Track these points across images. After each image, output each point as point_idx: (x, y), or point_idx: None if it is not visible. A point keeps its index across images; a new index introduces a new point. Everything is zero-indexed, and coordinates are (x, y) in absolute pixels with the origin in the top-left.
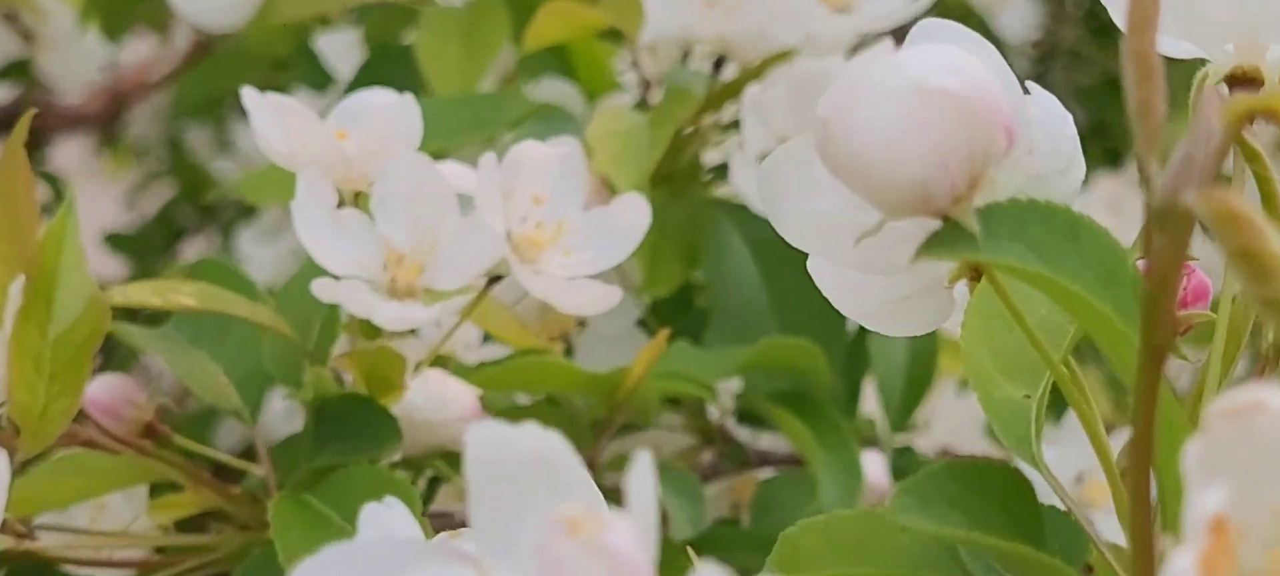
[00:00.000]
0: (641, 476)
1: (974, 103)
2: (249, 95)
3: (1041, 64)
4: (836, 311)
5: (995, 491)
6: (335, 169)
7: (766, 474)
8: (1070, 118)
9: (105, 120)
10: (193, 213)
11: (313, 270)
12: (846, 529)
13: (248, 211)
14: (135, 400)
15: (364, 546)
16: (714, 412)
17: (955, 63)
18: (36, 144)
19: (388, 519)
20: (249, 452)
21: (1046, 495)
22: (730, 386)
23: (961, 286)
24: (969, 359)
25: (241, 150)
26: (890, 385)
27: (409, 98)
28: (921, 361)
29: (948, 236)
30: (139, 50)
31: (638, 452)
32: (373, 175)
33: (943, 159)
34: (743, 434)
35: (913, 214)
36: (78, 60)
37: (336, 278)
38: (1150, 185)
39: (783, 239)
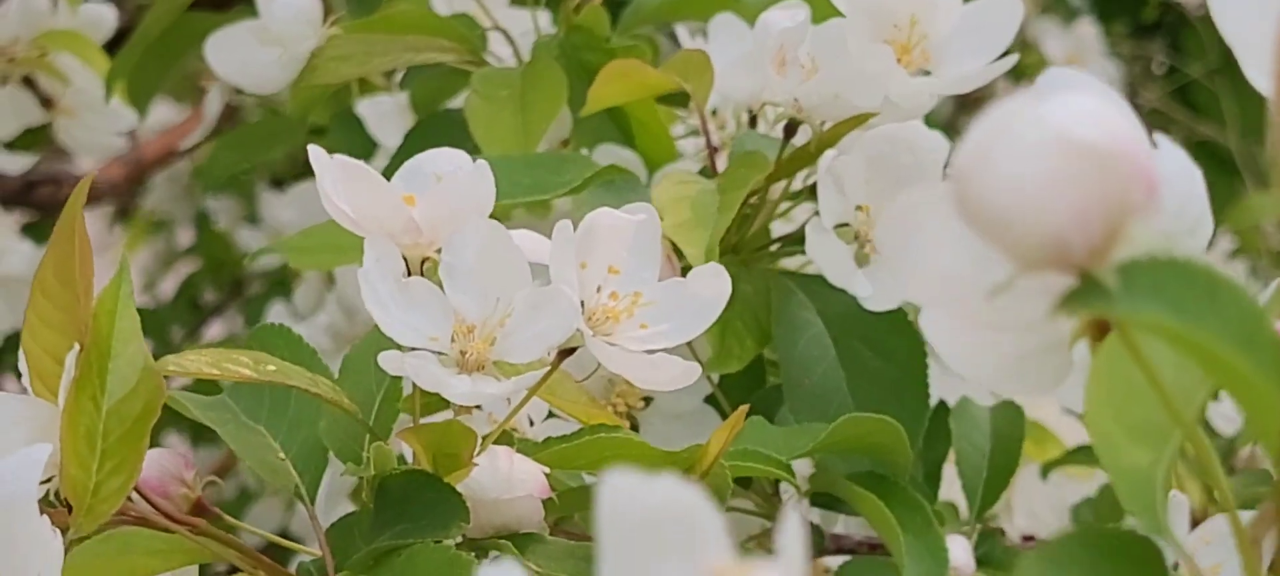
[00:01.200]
0: (792, 529)
1: (1116, 155)
2: (316, 154)
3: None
4: (918, 390)
5: (1127, 560)
6: (403, 234)
7: (840, 560)
8: (1200, 175)
9: (124, 190)
10: (216, 290)
11: (377, 341)
12: None
13: (275, 288)
14: (184, 477)
15: None
16: (788, 493)
17: (1098, 114)
18: (49, 215)
19: None
20: (287, 533)
21: None
22: (802, 467)
23: (1081, 348)
24: (1093, 423)
25: (269, 224)
26: (973, 468)
27: (483, 163)
28: (1006, 444)
29: (1086, 292)
30: (159, 117)
31: (788, 508)
32: (442, 241)
33: (1083, 213)
34: (816, 517)
35: (1049, 269)
36: (99, 127)
37: (404, 349)
38: None
39: (859, 312)
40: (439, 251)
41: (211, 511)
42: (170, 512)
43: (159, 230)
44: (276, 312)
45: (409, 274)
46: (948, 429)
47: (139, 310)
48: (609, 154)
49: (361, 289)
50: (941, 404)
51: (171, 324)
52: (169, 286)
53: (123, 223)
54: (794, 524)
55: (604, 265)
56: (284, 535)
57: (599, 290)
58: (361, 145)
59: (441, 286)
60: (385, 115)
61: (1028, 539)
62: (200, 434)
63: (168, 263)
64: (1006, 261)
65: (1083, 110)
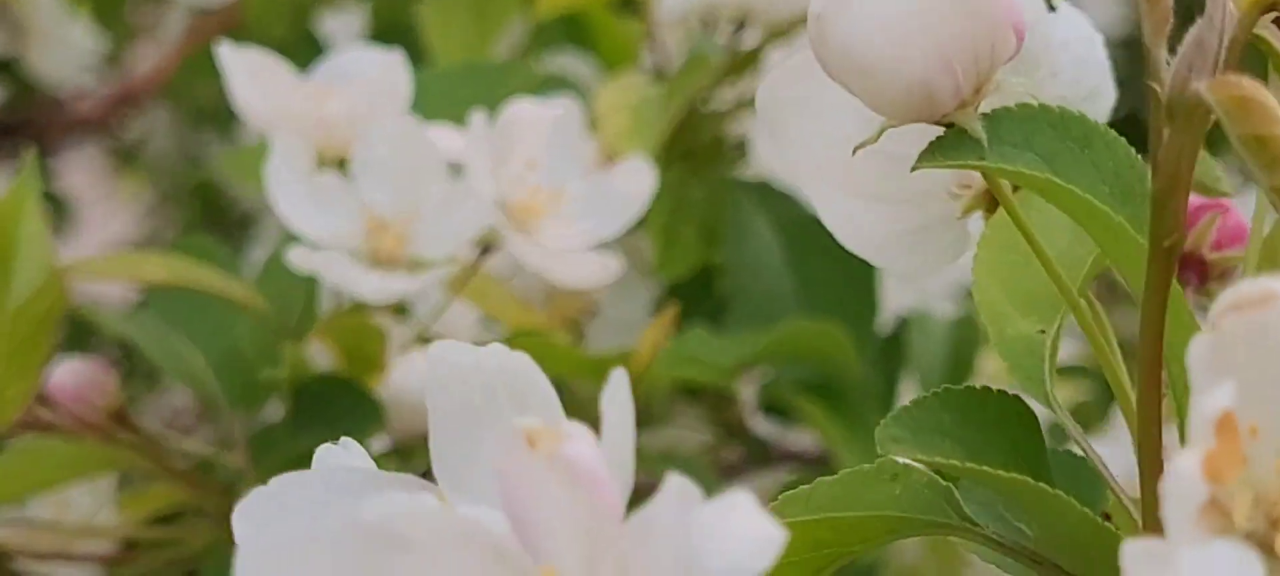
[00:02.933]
0: (616, 395)
1: None
2: (225, 52)
3: (1128, 60)
4: (866, 297)
5: (996, 423)
6: (316, 132)
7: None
8: (1100, 40)
9: (111, 126)
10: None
11: (293, 243)
12: (829, 491)
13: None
14: (105, 386)
15: (320, 474)
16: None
17: None
18: (41, 155)
19: (344, 458)
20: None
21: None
22: (755, 379)
23: (977, 220)
24: (981, 293)
25: None
26: (929, 383)
27: (397, 56)
28: (962, 352)
29: (951, 143)
30: (148, 51)
31: (615, 376)
32: (356, 138)
33: (947, 57)
34: (769, 429)
35: (915, 118)
36: (68, 52)
37: (314, 247)
38: (1159, 74)
39: (810, 219)
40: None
41: (131, 420)
42: (84, 418)
43: (156, 175)
44: (256, 251)
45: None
46: (904, 342)
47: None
48: (567, 62)
49: (269, 186)
50: (903, 319)
51: None
52: (167, 231)
53: (124, 167)
54: (617, 389)
55: (522, 159)
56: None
57: (518, 185)
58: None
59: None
60: (349, 32)
61: None
62: None
63: (160, 211)
64: (872, 113)
65: None
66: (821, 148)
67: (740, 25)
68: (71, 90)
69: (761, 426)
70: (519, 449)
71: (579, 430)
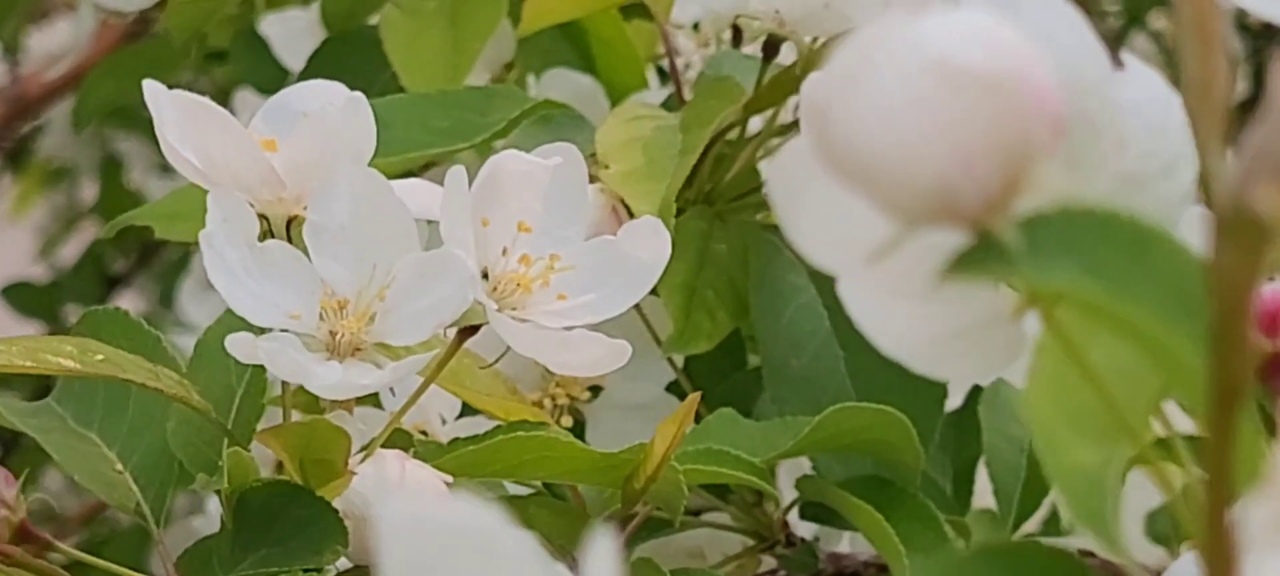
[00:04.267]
0: (601, 555)
1: (1009, 83)
2: (151, 90)
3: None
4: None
5: None
6: (261, 187)
7: None
8: (1177, 102)
9: (3, 132)
10: (125, 257)
11: (232, 322)
12: None
13: (196, 251)
14: (2, 496)
15: None
16: (771, 505)
17: (985, 34)
18: None
19: None
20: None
21: None
22: (795, 467)
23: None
24: (1033, 413)
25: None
26: (1008, 467)
27: (359, 96)
28: None
29: (979, 254)
30: (49, 43)
31: (599, 534)
32: (309, 195)
33: (970, 155)
34: (811, 531)
35: (936, 223)
36: None
37: (258, 331)
38: (1214, 184)
39: None
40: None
41: (38, 537)
42: None
43: (59, 181)
44: (190, 287)
45: (270, 237)
46: (976, 422)
47: (28, 285)
48: (561, 81)
49: (205, 255)
50: (975, 391)
51: (69, 300)
52: (71, 252)
53: (13, 171)
54: (604, 548)
55: (512, 222)
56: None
57: (505, 253)
58: (270, 73)
59: (308, 252)
60: (297, 35)
61: (1087, 554)
62: None
63: (69, 222)
64: (884, 217)
65: (966, 29)
66: (842, 240)
67: (771, 43)
68: None
69: (802, 528)
70: None
71: None
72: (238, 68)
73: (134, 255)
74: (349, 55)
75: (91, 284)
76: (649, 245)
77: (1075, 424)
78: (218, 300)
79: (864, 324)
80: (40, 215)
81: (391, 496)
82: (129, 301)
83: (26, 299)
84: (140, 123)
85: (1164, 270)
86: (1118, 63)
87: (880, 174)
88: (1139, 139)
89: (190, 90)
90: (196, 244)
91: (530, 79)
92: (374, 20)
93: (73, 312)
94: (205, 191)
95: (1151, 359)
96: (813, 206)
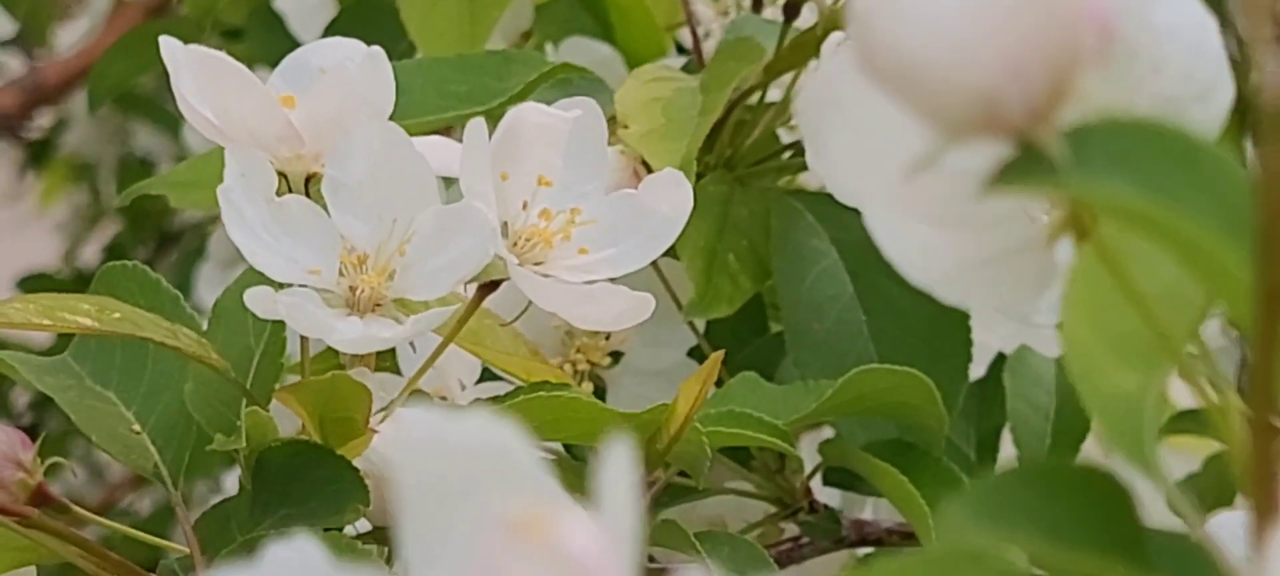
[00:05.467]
0: (616, 470)
1: None
2: (168, 47)
3: None
4: (958, 336)
5: (1084, 502)
6: (279, 144)
7: (868, 552)
8: (1213, 26)
9: (18, 122)
10: (144, 247)
11: (251, 279)
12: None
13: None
14: (20, 458)
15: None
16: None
17: None
18: None
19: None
20: None
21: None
22: (817, 436)
23: (1067, 245)
24: (1070, 337)
25: None
26: (1033, 434)
27: (377, 51)
28: (1075, 404)
29: (1023, 164)
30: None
31: (616, 442)
32: (328, 152)
33: (1017, 60)
34: (835, 498)
35: (979, 133)
36: None
37: (278, 286)
38: (1259, 78)
39: None
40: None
41: (55, 500)
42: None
43: (83, 177)
44: (208, 272)
45: (289, 192)
46: (1001, 388)
47: (49, 278)
48: (579, 49)
49: (223, 211)
50: (1000, 358)
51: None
52: (93, 250)
53: (37, 168)
54: (618, 463)
55: (532, 176)
56: None
57: (526, 207)
58: (285, 50)
59: (327, 208)
60: (312, 10)
61: None
62: None
63: (93, 219)
64: (928, 128)
65: None
66: (873, 165)
67: (793, 5)
68: None
69: (825, 495)
70: (502, 539)
71: (574, 515)
72: (253, 45)
73: (152, 244)
74: (365, 24)
75: None
76: (670, 198)
77: (1113, 347)
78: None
79: (892, 252)
80: (61, 213)
81: (406, 414)
82: None
83: (44, 291)
84: (161, 115)
85: (1212, 181)
86: None
87: (925, 81)
88: (1176, 62)
89: None
90: (213, 227)
91: (548, 48)
92: None
93: None
94: (219, 160)
95: (1198, 271)
96: (842, 133)
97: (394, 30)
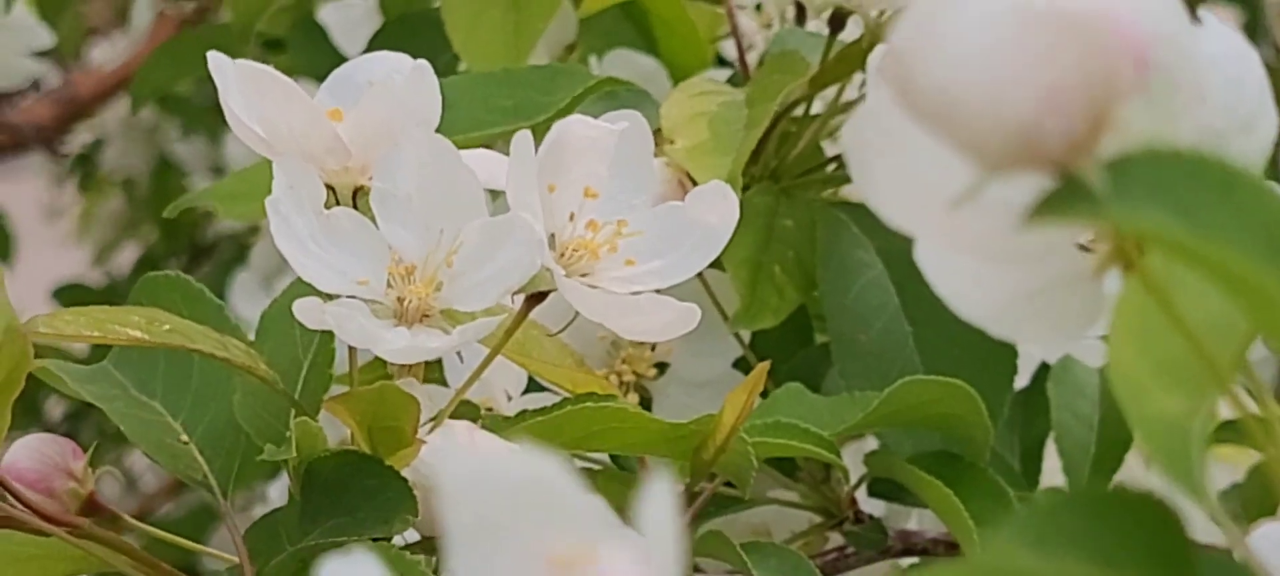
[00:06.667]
0: (659, 501)
1: (1095, 21)
2: (216, 61)
3: None
4: (1003, 347)
5: (1132, 527)
6: (327, 157)
7: (913, 562)
8: (1255, 57)
9: (54, 135)
10: (176, 257)
11: (299, 290)
12: None
13: (246, 252)
14: (70, 468)
15: None
16: (837, 481)
17: None
18: None
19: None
20: None
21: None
22: (862, 447)
23: (1114, 278)
24: (1116, 361)
25: (234, 170)
26: (1077, 444)
27: (423, 64)
28: (1119, 415)
29: (1064, 196)
30: (106, 52)
31: (656, 475)
32: (375, 164)
33: (1057, 94)
34: (878, 508)
35: (1020, 166)
36: (7, 47)
37: (326, 297)
38: None
39: None
40: (373, 179)
41: (105, 510)
42: (48, 511)
43: (122, 191)
44: (243, 281)
45: (336, 205)
46: (1046, 399)
47: (83, 288)
48: (623, 62)
49: (271, 223)
50: (1044, 368)
51: (124, 303)
52: (128, 257)
53: (79, 185)
54: (661, 494)
55: (578, 187)
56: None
57: (572, 219)
58: (328, 61)
59: (375, 219)
60: (354, 22)
61: None
62: None
63: (129, 228)
64: (969, 163)
65: None
66: (919, 199)
67: (837, 16)
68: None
69: (870, 505)
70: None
71: (618, 551)
72: (296, 56)
73: (185, 256)
74: (409, 37)
75: None
76: (717, 210)
77: (1160, 374)
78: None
79: (940, 286)
80: (98, 230)
81: (455, 454)
82: None
83: (79, 301)
84: (197, 120)
85: (1251, 209)
86: (1195, 18)
87: (964, 115)
88: (1218, 93)
89: None
90: (251, 238)
91: (592, 60)
92: (434, 3)
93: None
94: (266, 172)
95: (1239, 298)
96: (889, 165)
97: (438, 43)
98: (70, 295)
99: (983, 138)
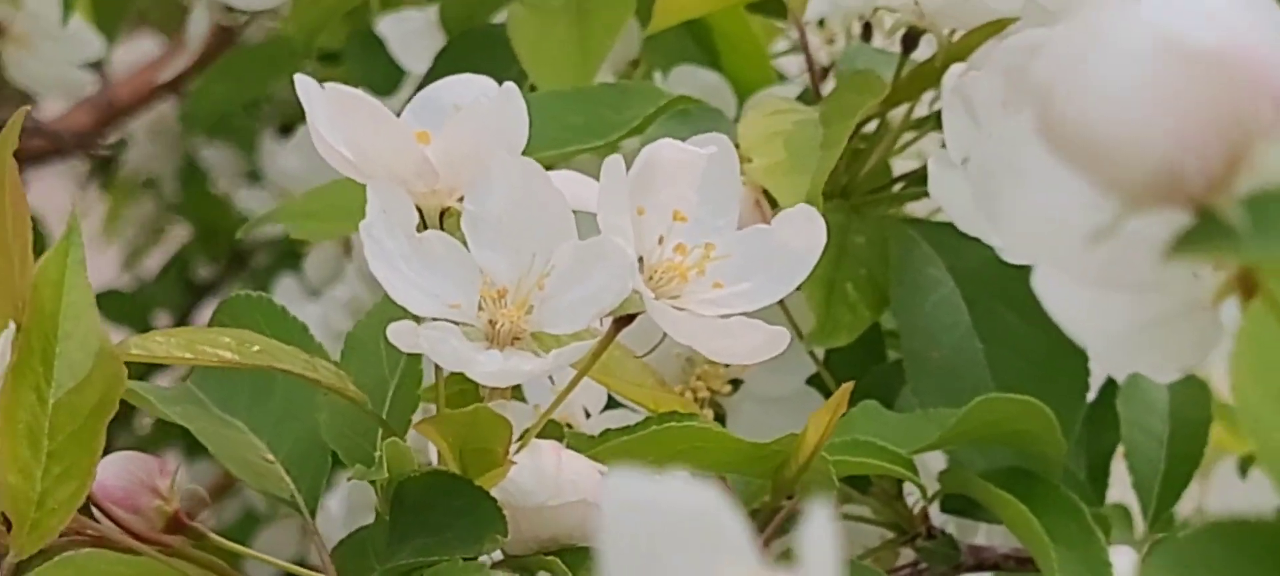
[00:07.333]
0: (820, 530)
1: (1237, 62)
2: (303, 85)
3: None
4: (1074, 364)
5: (1267, 556)
6: (415, 179)
7: None
8: None
9: (91, 141)
10: (212, 263)
11: (387, 312)
12: None
13: (285, 258)
14: (156, 486)
15: None
16: (913, 497)
17: (1213, 12)
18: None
19: None
20: (303, 563)
21: None
22: (933, 463)
23: (1231, 306)
24: (1239, 395)
25: (273, 181)
26: (1147, 461)
27: (512, 87)
28: (1189, 431)
29: (1203, 232)
30: (134, 51)
31: (814, 503)
32: (464, 187)
33: (1198, 134)
34: (950, 525)
35: (1158, 203)
36: (59, 59)
37: (419, 320)
38: None
39: (1000, 267)
40: (461, 200)
41: (192, 528)
42: (138, 530)
43: (146, 192)
44: (286, 288)
45: (425, 228)
46: (1116, 414)
47: (115, 294)
48: (688, 78)
49: (365, 246)
50: (1111, 384)
51: (156, 307)
52: (156, 261)
53: (102, 185)
54: (822, 524)
55: (667, 211)
56: (301, 564)
57: (661, 242)
58: (384, 73)
59: (464, 242)
60: (413, 35)
61: None
62: (197, 447)
63: (156, 232)
64: (1108, 199)
65: (1194, 8)
66: (1042, 228)
67: (909, 35)
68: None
69: (940, 520)
70: None
71: None
72: (352, 69)
73: (223, 262)
74: (475, 54)
75: (176, 291)
76: (803, 233)
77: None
78: (313, 308)
79: (1059, 315)
80: (125, 230)
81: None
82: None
83: (115, 307)
84: (229, 128)
85: None
86: None
87: (1106, 153)
88: None
89: None
90: (290, 245)
91: (655, 76)
92: (496, 19)
93: (161, 319)
94: (339, 191)
95: None
96: (1016, 194)
97: (504, 60)
98: (108, 303)
99: (1125, 174)
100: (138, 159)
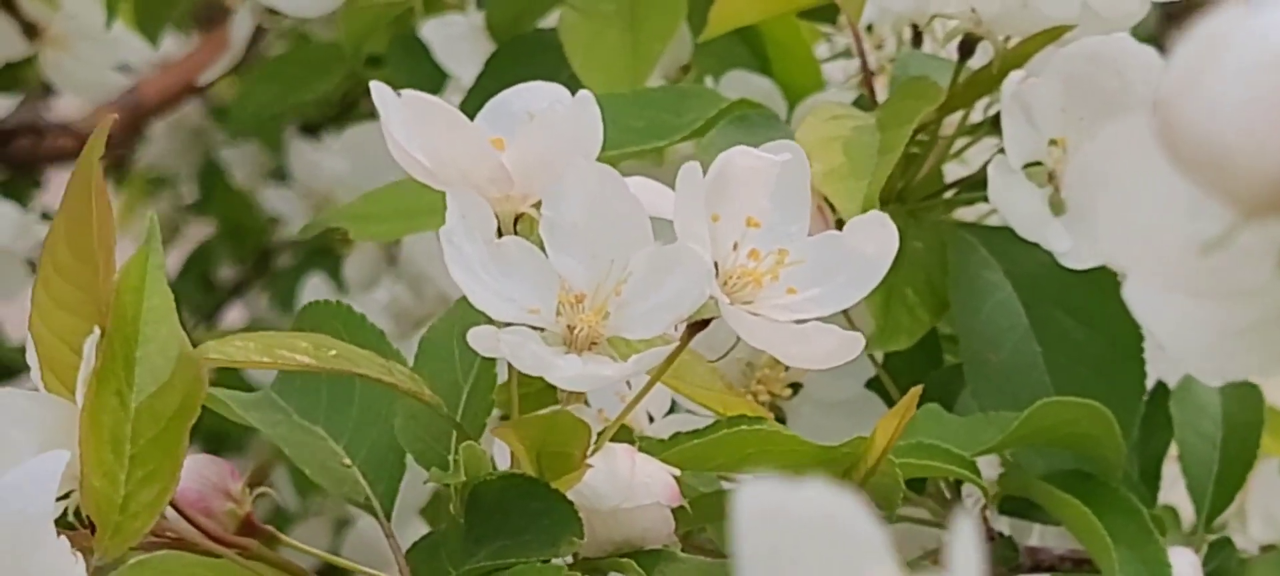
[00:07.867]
0: (966, 541)
1: None
2: (378, 90)
3: None
4: (1131, 367)
5: None
6: (490, 185)
7: None
8: None
9: (119, 140)
10: (236, 264)
11: (462, 317)
12: None
13: (313, 258)
14: (229, 489)
15: None
16: (971, 497)
17: None
18: (26, 170)
19: None
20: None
21: None
22: (990, 466)
23: None
24: None
25: (300, 181)
26: (1201, 463)
27: (587, 95)
28: (1241, 434)
29: None
30: (158, 51)
31: (958, 515)
32: (538, 193)
33: None
34: (1006, 526)
35: (1274, 213)
36: (97, 61)
37: (498, 325)
38: None
39: (1057, 271)
40: (536, 206)
41: (263, 530)
42: (215, 532)
43: (160, 188)
44: (313, 288)
45: (500, 234)
46: (1168, 416)
47: None
48: (739, 83)
49: (445, 252)
50: (1161, 386)
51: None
52: (173, 260)
53: (116, 180)
54: (968, 534)
55: (741, 217)
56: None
57: (736, 248)
58: (427, 77)
59: (541, 247)
60: (456, 39)
61: (1268, 549)
62: (222, 441)
63: (173, 230)
64: (1221, 209)
65: None
66: (1141, 235)
67: (966, 42)
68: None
69: (1000, 523)
70: None
71: None
72: (395, 72)
73: (249, 261)
74: (526, 59)
75: (196, 290)
76: (876, 239)
77: None
78: (358, 302)
79: (1150, 324)
80: (137, 225)
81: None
82: (240, 311)
83: None
84: (255, 128)
85: None
86: None
87: (1228, 165)
88: None
89: (346, 98)
90: (341, 250)
91: (707, 80)
92: (543, 23)
93: (185, 320)
94: (398, 194)
95: None
96: (1116, 201)
97: (554, 63)
98: None
99: (1244, 185)
100: (153, 156)
